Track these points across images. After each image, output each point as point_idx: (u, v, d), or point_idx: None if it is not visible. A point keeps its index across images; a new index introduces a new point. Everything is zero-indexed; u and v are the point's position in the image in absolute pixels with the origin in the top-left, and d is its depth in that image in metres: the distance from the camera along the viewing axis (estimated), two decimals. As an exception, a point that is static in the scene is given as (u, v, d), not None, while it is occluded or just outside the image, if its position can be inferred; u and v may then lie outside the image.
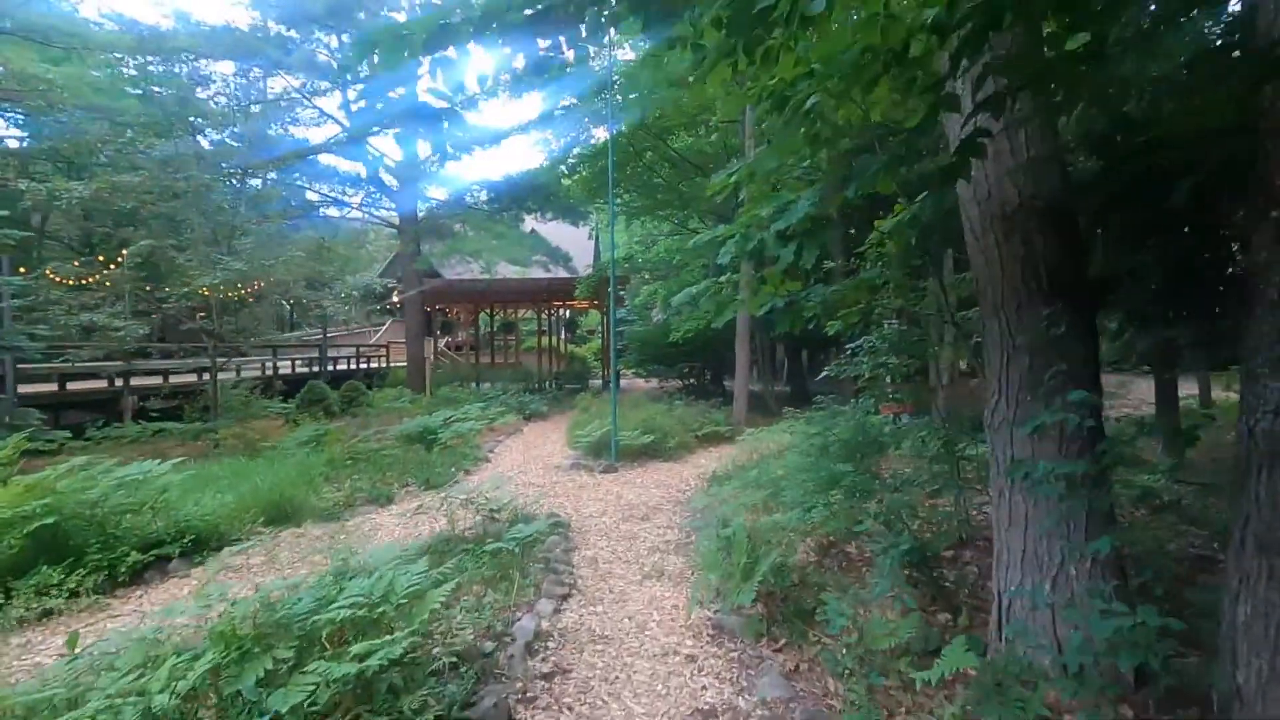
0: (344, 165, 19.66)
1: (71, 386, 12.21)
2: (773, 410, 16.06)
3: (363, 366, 22.31)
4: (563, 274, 22.06)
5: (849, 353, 6.54)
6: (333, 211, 20.44)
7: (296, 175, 19.62)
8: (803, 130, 3.27)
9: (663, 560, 5.58)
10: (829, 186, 3.72)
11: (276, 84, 19.84)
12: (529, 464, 10.32)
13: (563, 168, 19.60)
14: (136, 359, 12.67)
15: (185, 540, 5.61)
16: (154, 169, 10.98)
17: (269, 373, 16.83)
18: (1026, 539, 3.27)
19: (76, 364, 12.26)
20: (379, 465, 9.01)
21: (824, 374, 8.22)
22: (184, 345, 15.14)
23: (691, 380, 19.63)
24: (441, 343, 26.94)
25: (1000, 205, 3.19)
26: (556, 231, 22.87)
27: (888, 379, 6.78)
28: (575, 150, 18.23)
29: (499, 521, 6.12)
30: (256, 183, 19.58)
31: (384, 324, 28.85)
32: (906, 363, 6.11)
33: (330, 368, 20.20)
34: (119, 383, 12.62)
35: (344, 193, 20.27)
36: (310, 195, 19.84)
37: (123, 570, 5.10)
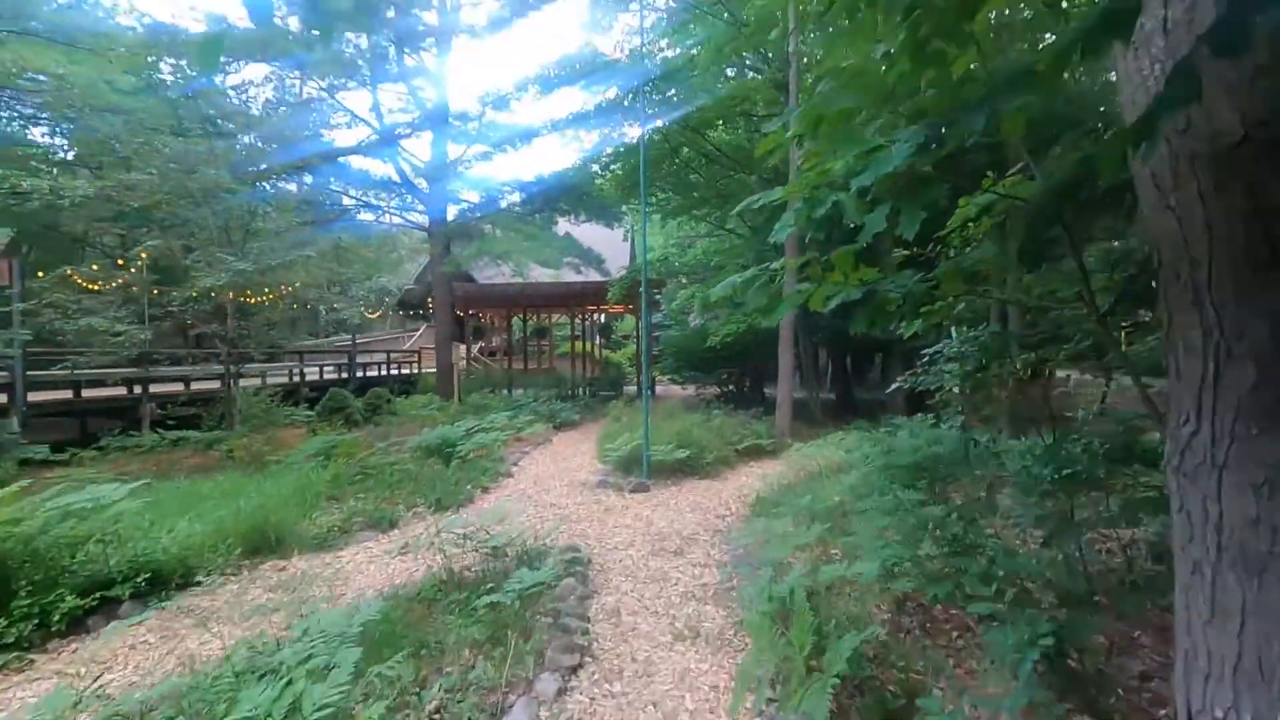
0: (374, 167, 19.15)
1: (89, 393, 11.71)
2: (817, 420, 14.91)
3: (393, 373, 21.73)
4: (596, 277, 21.21)
5: (925, 360, 5.40)
6: (366, 216, 19.91)
7: (329, 179, 19.16)
8: (902, 37, 2.23)
9: (699, 612, 4.54)
10: (936, 125, 2.65)
11: (309, 88, 19.46)
12: (553, 480, 9.38)
13: (595, 166, 18.72)
14: (154, 365, 12.12)
15: (141, 579, 4.76)
16: (164, 168, 10.39)
17: (296, 379, 16.26)
18: (1243, 642, 2.15)
19: (90, 370, 11.75)
20: (387, 482, 8.16)
21: (895, 385, 7.06)
22: (194, 351, 14.58)
23: (730, 387, 18.53)
24: (475, 348, 26.30)
25: (1209, 139, 2.10)
26: (590, 234, 22.01)
27: (963, 388, 5.67)
28: (608, 149, 17.29)
29: (505, 558, 5.15)
30: (291, 187, 19.22)
31: (418, 329, 28.37)
32: (1001, 370, 4.95)
33: (360, 374, 19.63)
34: (138, 390, 12.10)
35: (376, 196, 19.71)
36: (344, 200, 19.36)
37: (56, 619, 4.27)
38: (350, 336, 17.97)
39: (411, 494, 7.82)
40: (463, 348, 24.85)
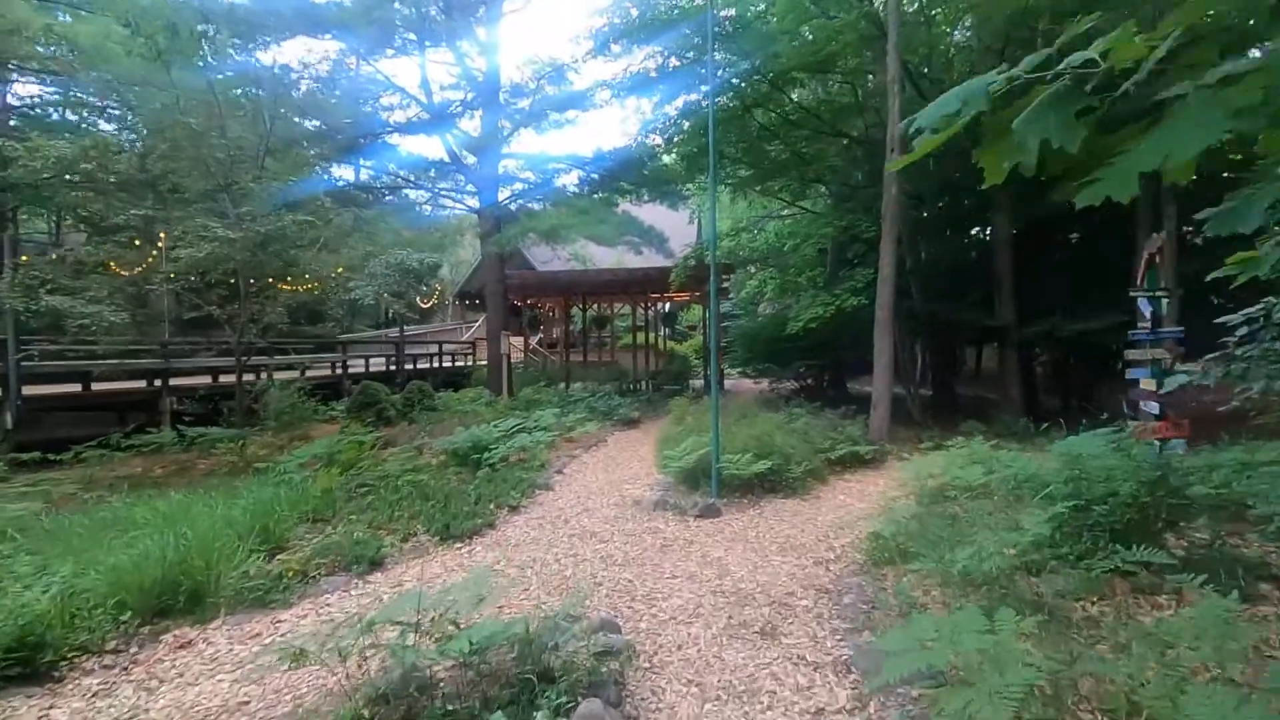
0: (423, 148, 17.73)
1: (103, 387, 10.50)
2: (915, 420, 12.49)
3: (446, 365, 20.31)
4: (661, 262, 19.18)
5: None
6: (416, 194, 18.48)
7: (379, 161, 17.83)
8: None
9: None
10: None
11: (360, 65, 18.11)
12: (600, 496, 7.43)
13: (658, 139, 16.64)
14: (177, 357, 10.84)
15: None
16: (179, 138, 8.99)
17: (338, 372, 14.92)
18: None
19: (95, 362, 10.52)
20: (388, 500, 6.39)
21: (1148, 368, 4.79)
22: (193, 341, 13.23)
23: (808, 382, 16.20)
24: (534, 340, 24.75)
25: None
26: (653, 216, 20.02)
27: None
28: (671, 112, 15.16)
29: (487, 669, 3.16)
30: (347, 172, 18.01)
31: (479, 320, 26.99)
32: None
33: (411, 366, 18.27)
34: (158, 383, 10.85)
35: (425, 177, 18.24)
36: (391, 181, 17.99)
37: None
38: (399, 327, 16.57)
39: (416, 516, 6.01)
40: (519, 339, 23.31)
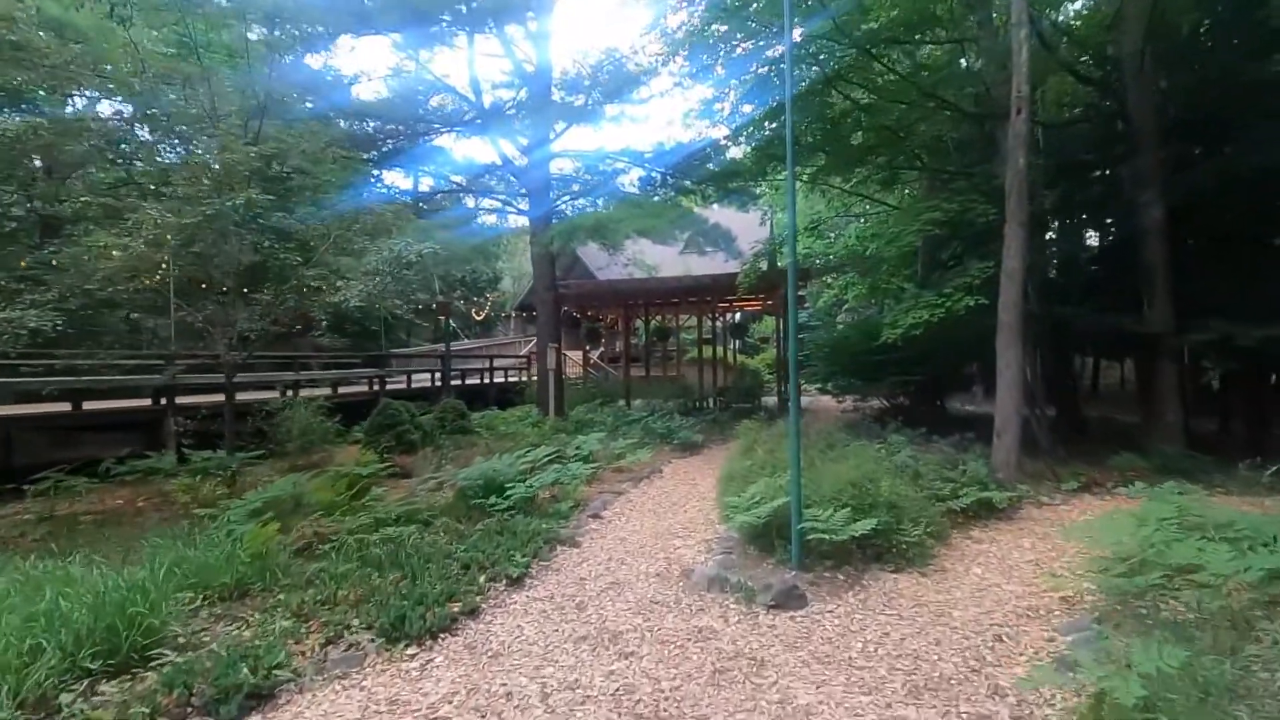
0: (473, 151, 16.36)
1: (96, 405, 9.31)
2: (1044, 450, 9.90)
3: (498, 381, 18.76)
4: (729, 268, 17.11)
5: None
6: (470, 201, 17.13)
7: (429, 165, 16.62)
8: None
9: None
10: None
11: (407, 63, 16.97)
12: (639, 560, 5.42)
13: (724, 130, 14.60)
14: (185, 373, 9.55)
15: None
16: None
17: (375, 389, 13.52)
18: None
19: (82, 378, 9.30)
20: (334, 573, 4.54)
21: None
22: (210, 356, 11.81)
23: (902, 400, 13.68)
24: (594, 354, 23.03)
25: None
26: (721, 220, 18.00)
27: None
28: (739, 92, 13.11)
29: None
30: (398, 179, 16.86)
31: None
32: None
33: (459, 382, 16.79)
34: (163, 402, 9.60)
35: (478, 180, 16.87)
36: (432, 183, 16.73)
37: None
38: (445, 341, 15.17)
39: (366, 598, 4.15)
40: (576, 352, 21.62)
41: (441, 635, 3.87)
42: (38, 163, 9.61)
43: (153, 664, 3.23)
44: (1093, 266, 14.66)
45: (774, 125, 12.84)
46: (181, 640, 3.51)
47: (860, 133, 12.54)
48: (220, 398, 10.73)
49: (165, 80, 7.07)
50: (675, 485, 8.74)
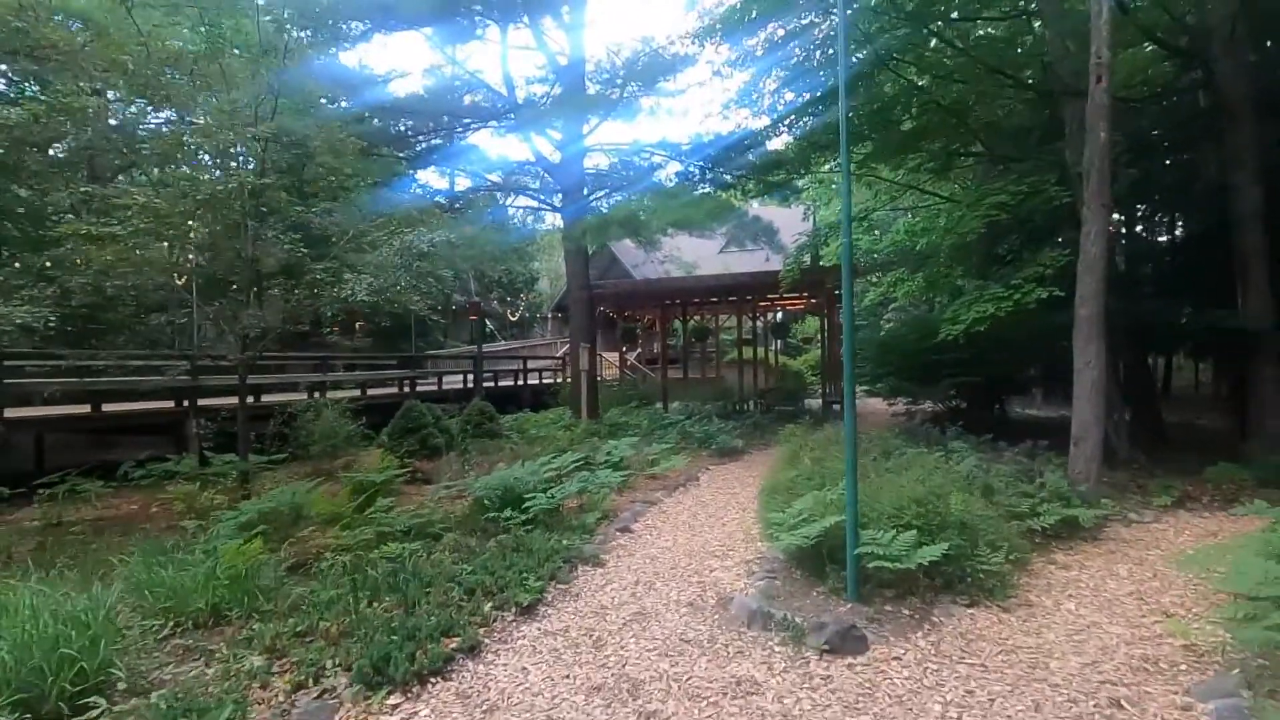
0: (505, 149, 15.92)
1: (115, 408, 9.03)
2: (1123, 459, 8.92)
3: (532, 382, 18.26)
4: (770, 266, 16.30)
5: None
6: (500, 197, 16.69)
7: (463, 163, 16.23)
8: None
9: None
10: None
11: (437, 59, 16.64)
12: (669, 584, 4.74)
13: (765, 119, 13.82)
14: (207, 374, 9.25)
15: None
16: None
17: (405, 390, 13.14)
18: None
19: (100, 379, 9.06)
20: (321, 599, 3.99)
21: None
22: (188, 354, 11.39)
23: (958, 404, 12.67)
24: (631, 355, 22.40)
25: None
26: (762, 216, 17.19)
27: None
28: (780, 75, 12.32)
29: None
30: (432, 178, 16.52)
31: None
32: None
33: (492, 384, 16.35)
34: (186, 403, 9.32)
35: (512, 178, 16.41)
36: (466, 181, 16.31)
37: None
38: (477, 344, 14.74)
39: (351, 630, 3.58)
40: (613, 354, 21.03)
41: (432, 680, 3.26)
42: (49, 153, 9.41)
43: (80, 718, 2.69)
44: (1168, 257, 13.42)
45: (820, 111, 12.05)
46: (124, 686, 2.97)
47: (911, 118, 11.63)
48: (251, 399, 10.52)
49: (174, 69, 6.73)
50: (713, 495, 8.04)
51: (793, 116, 12.98)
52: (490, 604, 4.07)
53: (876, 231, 20.11)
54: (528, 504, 5.73)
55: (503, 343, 26.61)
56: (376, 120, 14.84)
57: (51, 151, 9.40)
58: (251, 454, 8.90)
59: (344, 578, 4.19)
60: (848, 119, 11.82)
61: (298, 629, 3.59)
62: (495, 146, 15.20)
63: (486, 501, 5.91)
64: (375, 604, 3.89)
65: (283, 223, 7.24)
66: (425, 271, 7.55)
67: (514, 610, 4.10)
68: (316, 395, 10.85)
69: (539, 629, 3.95)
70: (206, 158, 6.52)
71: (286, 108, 9.86)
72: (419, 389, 13.50)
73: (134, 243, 5.97)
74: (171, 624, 3.73)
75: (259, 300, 6.95)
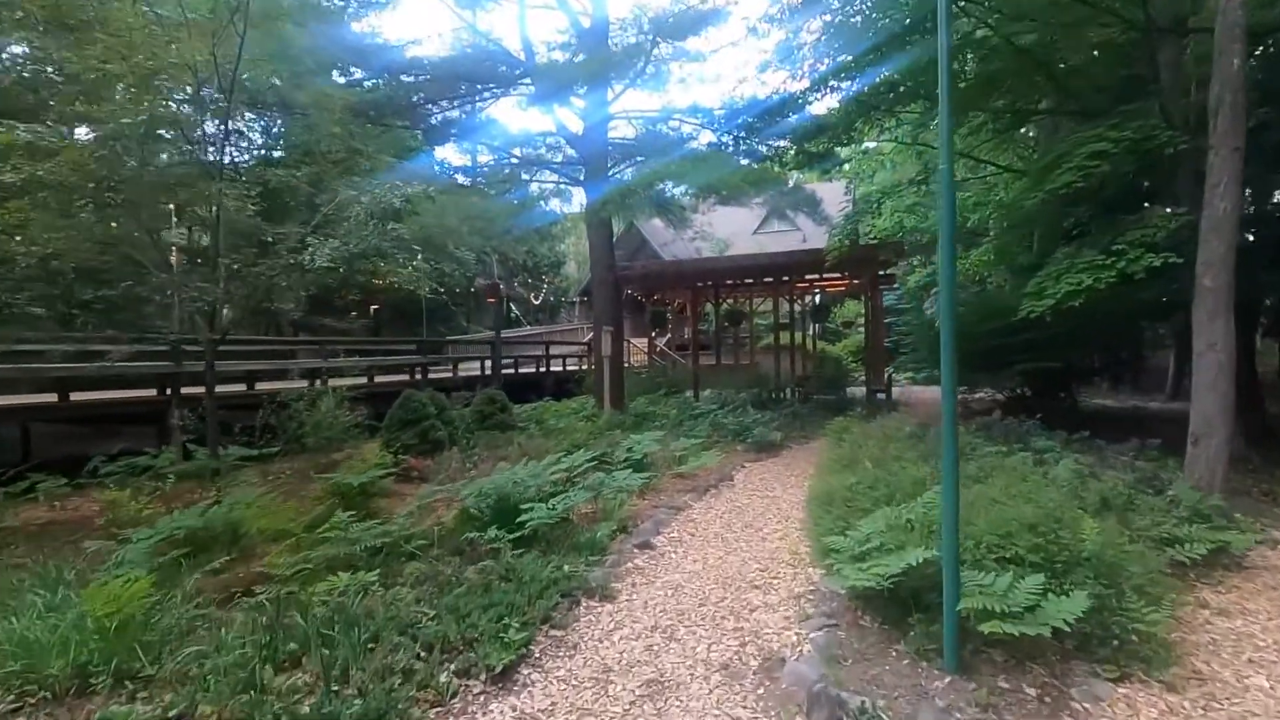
0: (525, 121, 14.75)
1: (85, 397, 8.15)
2: (1238, 457, 7.45)
3: (555, 369, 17.17)
4: (808, 244, 14.92)
5: None
6: (523, 175, 15.55)
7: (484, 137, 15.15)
8: None
9: None
10: None
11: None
12: (696, 633, 3.58)
13: (805, 81, 12.38)
14: (191, 359, 8.32)
15: None
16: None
17: (417, 378, 12.16)
18: None
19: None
20: (215, 666, 2.92)
21: None
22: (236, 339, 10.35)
23: (1023, 392, 11.19)
24: (660, 341, 21.18)
25: None
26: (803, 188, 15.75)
27: None
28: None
29: None
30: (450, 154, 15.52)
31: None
32: None
33: (512, 371, 15.32)
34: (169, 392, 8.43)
35: (533, 152, 15.25)
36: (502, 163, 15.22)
37: None
38: (496, 329, 13.68)
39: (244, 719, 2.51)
40: (641, 339, 19.83)
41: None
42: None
43: None
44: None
45: (877, 61, 10.54)
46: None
47: (975, 68, 10.14)
48: (240, 387, 9.64)
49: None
50: (750, 498, 6.85)
51: (840, 74, 11.53)
52: (451, 668, 2.96)
53: (923, 211, 18.51)
54: (524, 518, 4.61)
55: (527, 328, 25.64)
56: (384, 85, 13.79)
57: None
58: (239, 447, 8.01)
59: (265, 624, 3.12)
60: (895, 79, 10.36)
61: (169, 713, 2.52)
62: (515, 120, 14.11)
63: (476, 512, 4.82)
64: (292, 671, 2.82)
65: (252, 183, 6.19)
66: (398, 236, 6.42)
67: (484, 677, 2.99)
68: (318, 383, 9.92)
69: (512, 709, 2.82)
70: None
71: (284, 75, 8.90)
72: (431, 376, 12.50)
73: (42, 198, 4.96)
74: (14, 695, 2.71)
75: (215, 271, 5.88)
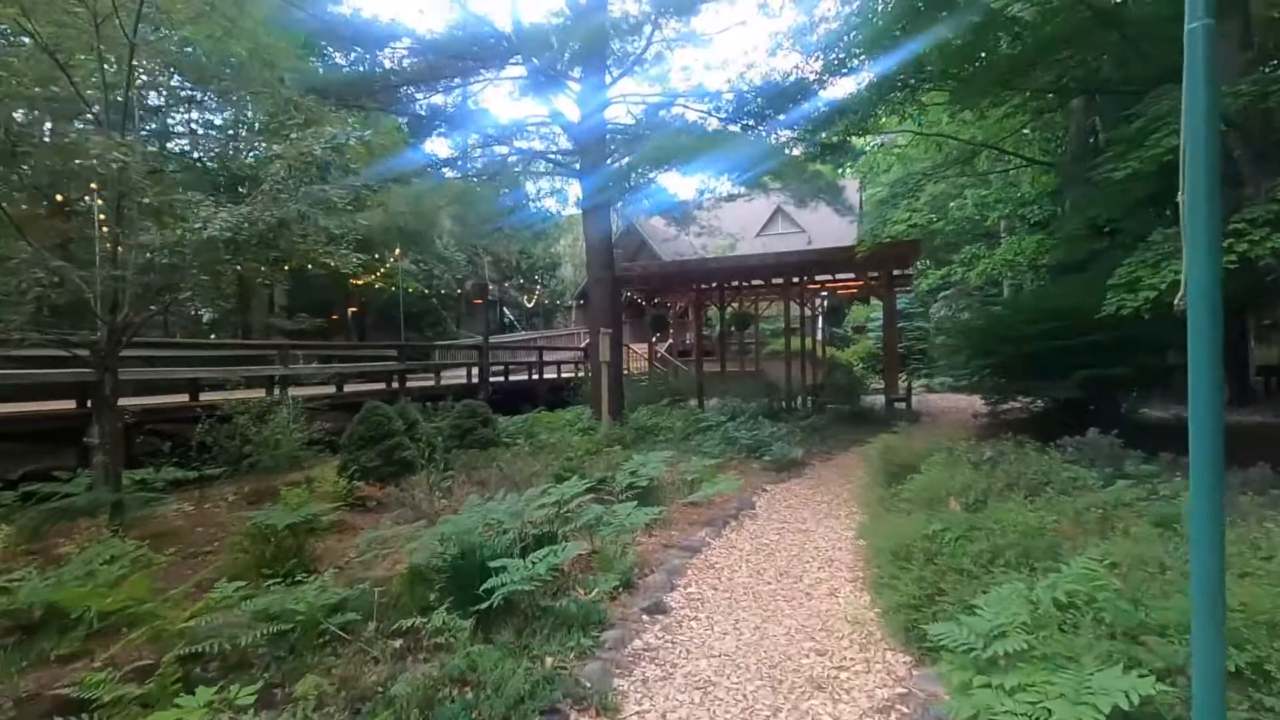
0: (517, 111, 13.50)
1: (9, 409, 6.89)
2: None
3: (549, 377, 15.83)
4: (819, 243, 13.67)
5: None
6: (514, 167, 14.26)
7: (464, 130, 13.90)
8: None
9: None
10: None
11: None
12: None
13: (818, 62, 11.15)
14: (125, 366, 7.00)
15: None
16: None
17: (394, 386, 10.83)
18: None
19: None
20: None
21: None
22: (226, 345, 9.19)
23: (1053, 400, 9.81)
24: (661, 346, 19.89)
25: None
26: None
27: None
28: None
29: None
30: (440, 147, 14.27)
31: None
32: None
33: (503, 378, 13.99)
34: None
35: (527, 140, 13.99)
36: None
37: None
38: (485, 333, 12.39)
39: None
40: (641, 345, 18.52)
41: None
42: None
43: None
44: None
45: (904, 34, 9.29)
46: None
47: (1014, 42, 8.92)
48: (183, 397, 8.29)
49: None
50: (780, 534, 5.55)
51: (862, 52, 10.28)
52: None
53: (940, 211, 17.32)
54: (493, 581, 3.29)
55: (521, 332, 24.29)
56: (362, 61, 12.48)
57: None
58: (174, 469, 6.70)
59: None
60: (918, 60, 9.14)
61: None
62: (508, 110, 12.89)
63: (428, 573, 3.50)
64: None
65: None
66: (325, 199, 5.11)
67: None
68: (275, 392, 8.60)
69: None
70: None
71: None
72: (411, 385, 11.16)
73: None
74: None
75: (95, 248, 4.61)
